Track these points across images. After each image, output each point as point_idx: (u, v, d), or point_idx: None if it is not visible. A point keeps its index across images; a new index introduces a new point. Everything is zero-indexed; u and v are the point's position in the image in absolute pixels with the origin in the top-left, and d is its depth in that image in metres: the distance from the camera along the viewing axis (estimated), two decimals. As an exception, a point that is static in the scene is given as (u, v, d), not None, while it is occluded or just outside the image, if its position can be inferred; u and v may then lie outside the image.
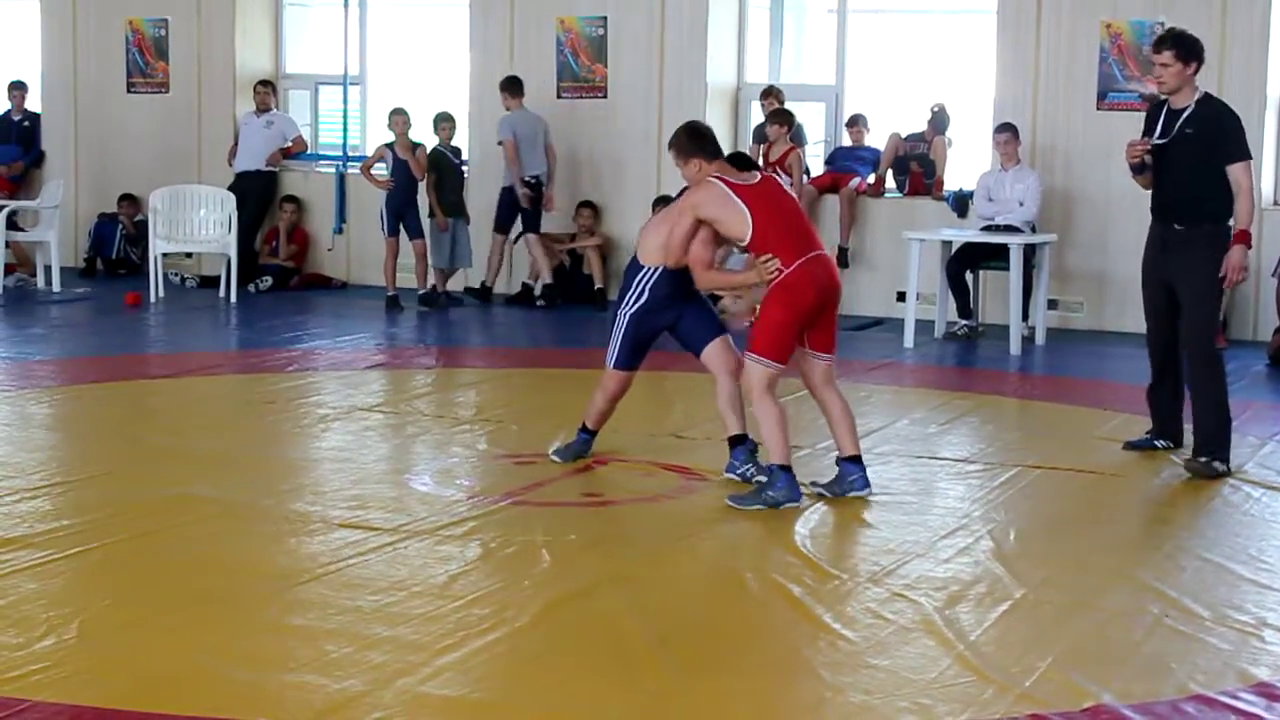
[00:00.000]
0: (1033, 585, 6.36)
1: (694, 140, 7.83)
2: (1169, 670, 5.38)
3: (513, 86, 15.20)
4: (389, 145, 14.86)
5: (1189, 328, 8.48)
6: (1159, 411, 8.90)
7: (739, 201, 7.58)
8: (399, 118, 14.91)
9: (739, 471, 7.95)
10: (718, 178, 7.68)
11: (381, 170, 14.93)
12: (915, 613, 5.96)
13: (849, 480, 7.68)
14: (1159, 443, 8.85)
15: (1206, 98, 8.51)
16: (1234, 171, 8.27)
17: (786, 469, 7.48)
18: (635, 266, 8.17)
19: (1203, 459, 8.34)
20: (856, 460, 7.72)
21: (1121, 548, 7.01)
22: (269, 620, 5.80)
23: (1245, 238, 8.30)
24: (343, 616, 5.80)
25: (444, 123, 15.35)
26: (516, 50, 15.94)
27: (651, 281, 8.06)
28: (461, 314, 14.76)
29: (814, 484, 7.73)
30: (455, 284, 15.55)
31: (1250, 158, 8.39)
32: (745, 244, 7.65)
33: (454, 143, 15.43)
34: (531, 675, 5.34)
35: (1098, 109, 14.07)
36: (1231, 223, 8.33)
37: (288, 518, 7.15)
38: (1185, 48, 8.36)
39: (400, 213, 14.82)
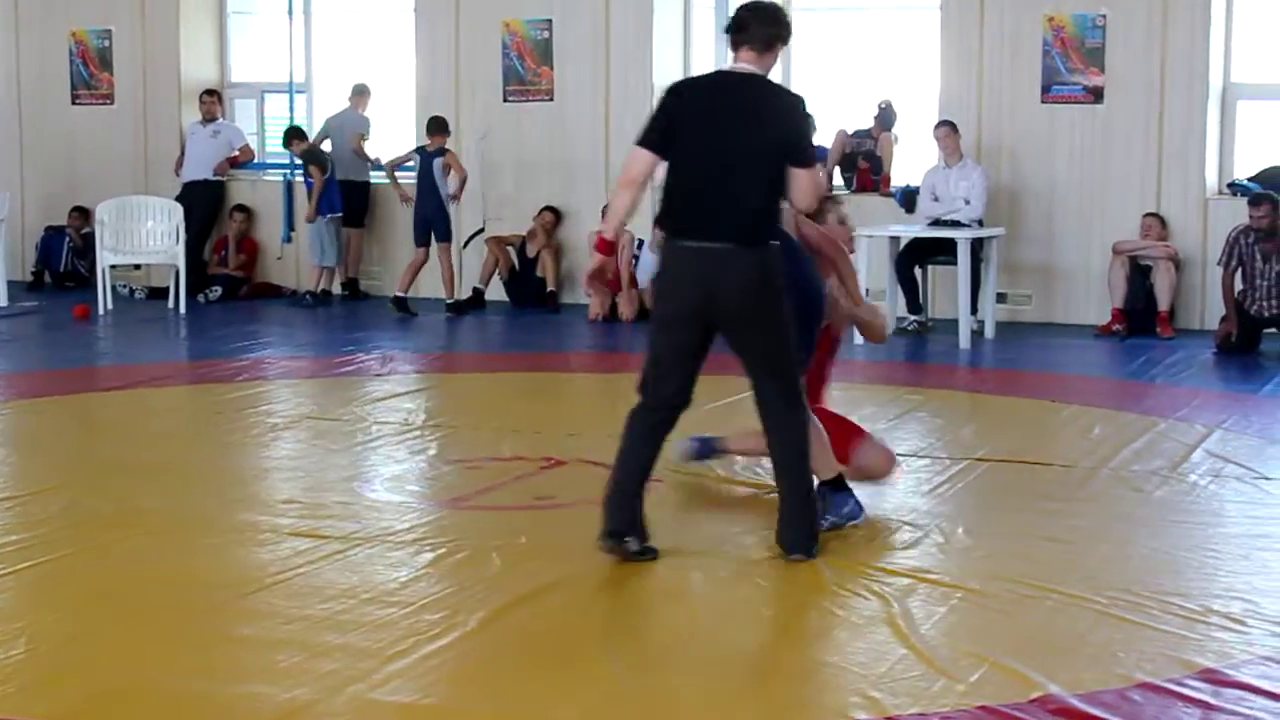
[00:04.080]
0: (981, 577, 6.38)
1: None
2: (1116, 659, 5.40)
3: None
4: (419, 149, 15.09)
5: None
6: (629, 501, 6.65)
7: None
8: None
9: None
10: None
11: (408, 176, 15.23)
12: (865, 607, 5.98)
13: None
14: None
15: None
16: None
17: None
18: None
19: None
20: None
21: (1069, 538, 7.03)
22: (218, 631, 5.78)
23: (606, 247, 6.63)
24: (292, 625, 5.79)
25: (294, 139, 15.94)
26: (461, 54, 15.92)
27: None
28: (413, 320, 14.72)
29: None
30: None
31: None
32: None
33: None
34: (483, 679, 5.34)
35: (1042, 102, 14.16)
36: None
37: (237, 528, 7.12)
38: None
39: (430, 220, 15.00)
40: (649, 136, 6.52)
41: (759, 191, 6.46)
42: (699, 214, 6.45)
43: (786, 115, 6.60)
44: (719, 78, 6.87)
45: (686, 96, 6.63)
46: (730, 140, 6.46)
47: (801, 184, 6.56)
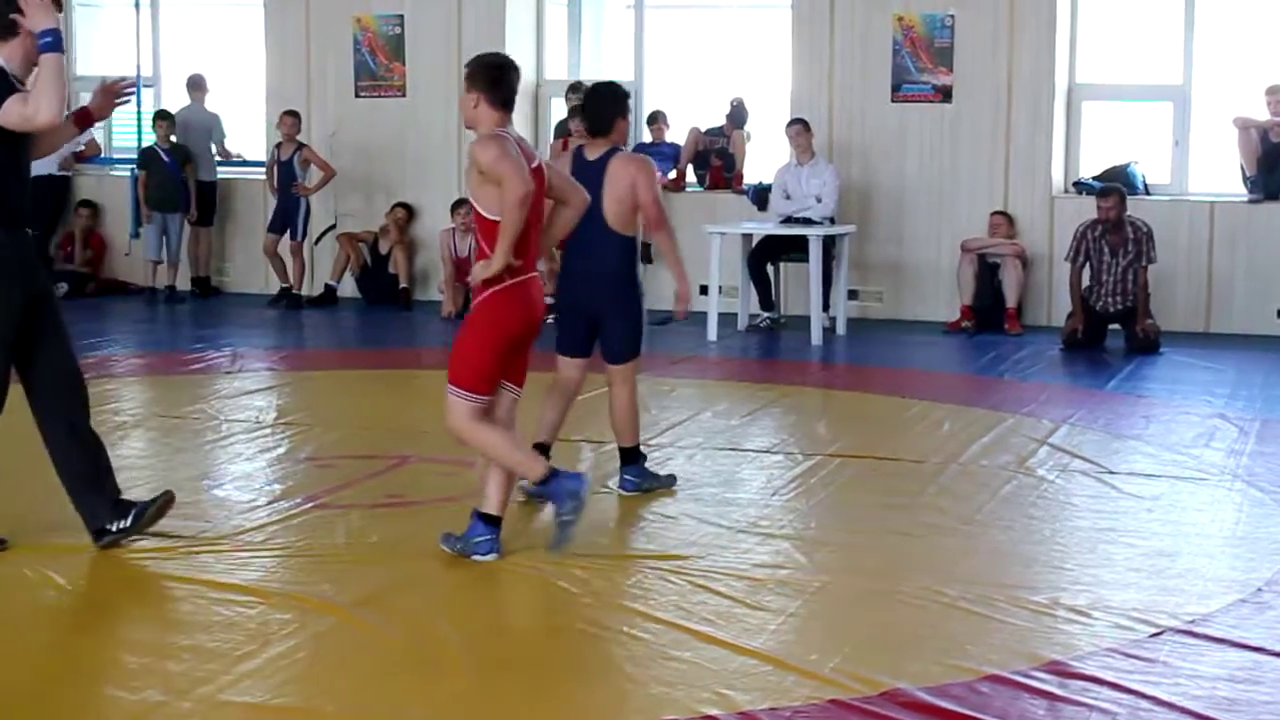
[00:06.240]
0: (833, 572, 6.43)
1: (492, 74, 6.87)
2: (964, 652, 5.46)
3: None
4: (277, 146, 15.31)
5: None
6: None
7: (525, 165, 6.45)
8: (287, 119, 15.30)
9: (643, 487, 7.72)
10: (504, 133, 6.60)
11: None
12: (717, 604, 5.99)
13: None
14: None
15: None
16: None
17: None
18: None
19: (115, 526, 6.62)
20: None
21: (919, 533, 7.11)
22: (61, 635, 5.68)
23: None
24: (140, 626, 5.71)
25: (161, 120, 15.75)
26: (313, 49, 15.80)
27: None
28: (265, 316, 14.59)
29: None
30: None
31: None
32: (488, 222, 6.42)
33: (173, 140, 15.76)
34: (333, 679, 5.28)
35: (892, 101, 14.30)
36: None
37: (82, 528, 6.97)
38: None
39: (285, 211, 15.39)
40: None
41: None
42: None
43: None
44: None
45: None
46: None
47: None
